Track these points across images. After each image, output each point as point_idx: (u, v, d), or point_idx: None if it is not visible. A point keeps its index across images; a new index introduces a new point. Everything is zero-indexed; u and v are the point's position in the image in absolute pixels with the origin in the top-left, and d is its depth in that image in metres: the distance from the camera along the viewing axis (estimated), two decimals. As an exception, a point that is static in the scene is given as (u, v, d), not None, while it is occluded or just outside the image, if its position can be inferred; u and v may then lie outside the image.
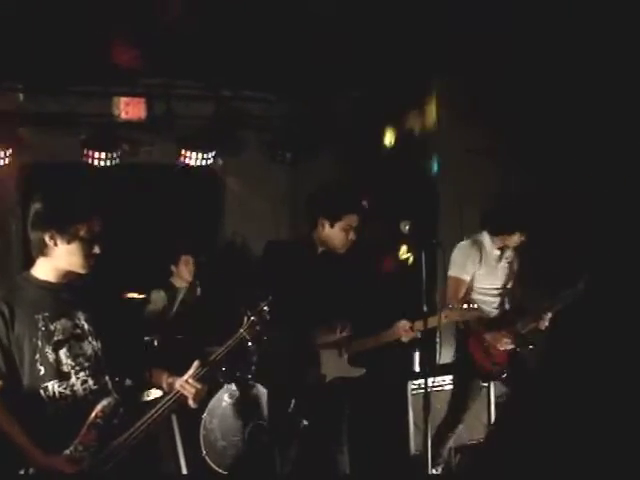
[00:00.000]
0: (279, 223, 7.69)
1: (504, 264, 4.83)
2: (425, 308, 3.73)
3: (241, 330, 3.04)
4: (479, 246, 4.76)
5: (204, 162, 7.16)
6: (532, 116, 5.70)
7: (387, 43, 5.43)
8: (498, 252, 4.78)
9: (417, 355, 5.98)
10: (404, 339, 4.07)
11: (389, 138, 6.57)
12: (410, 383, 5.54)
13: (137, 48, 5.85)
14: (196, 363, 2.93)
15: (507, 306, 4.92)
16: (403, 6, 4.79)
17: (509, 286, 4.89)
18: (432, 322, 3.91)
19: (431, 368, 4.52)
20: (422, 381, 5.44)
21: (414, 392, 5.53)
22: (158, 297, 6.30)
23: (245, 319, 3.07)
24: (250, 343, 3.05)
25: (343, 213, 3.96)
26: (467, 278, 4.71)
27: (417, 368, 6.01)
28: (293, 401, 3.80)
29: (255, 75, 6.65)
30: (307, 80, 6.67)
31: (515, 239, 4.74)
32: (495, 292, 4.82)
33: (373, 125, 6.63)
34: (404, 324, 4.03)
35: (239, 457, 5.36)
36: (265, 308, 3.11)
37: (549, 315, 4.69)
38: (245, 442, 5.36)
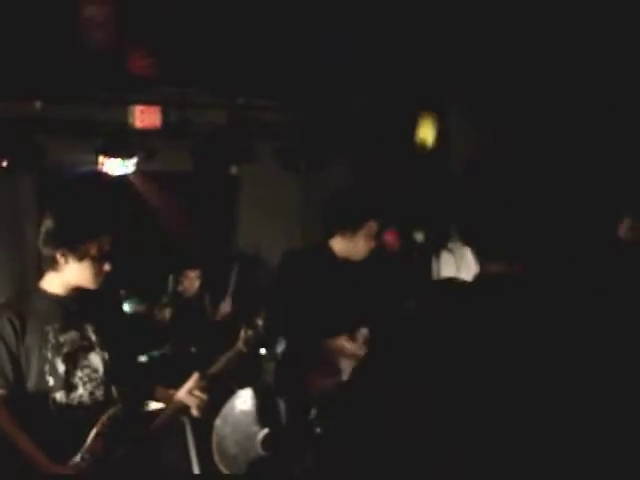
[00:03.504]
0: (292, 232, 7.69)
1: None
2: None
3: (239, 343, 3.19)
4: (456, 253, 4.86)
5: (218, 170, 7.20)
6: (542, 123, 5.70)
7: (399, 51, 5.44)
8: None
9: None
10: None
11: (402, 146, 6.57)
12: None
13: (152, 56, 5.89)
14: (196, 375, 3.05)
15: None
16: (415, 13, 4.80)
17: None
18: None
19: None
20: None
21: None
22: (167, 307, 6.34)
23: (242, 333, 3.20)
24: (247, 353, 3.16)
25: (365, 220, 3.96)
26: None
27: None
28: (314, 410, 3.79)
29: (269, 83, 6.68)
30: (321, 89, 6.69)
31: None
32: None
33: (386, 133, 6.64)
34: (364, 333, 4.02)
35: (251, 464, 5.35)
36: (260, 323, 3.25)
37: None
38: (259, 449, 5.35)
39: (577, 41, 4.75)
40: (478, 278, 1.76)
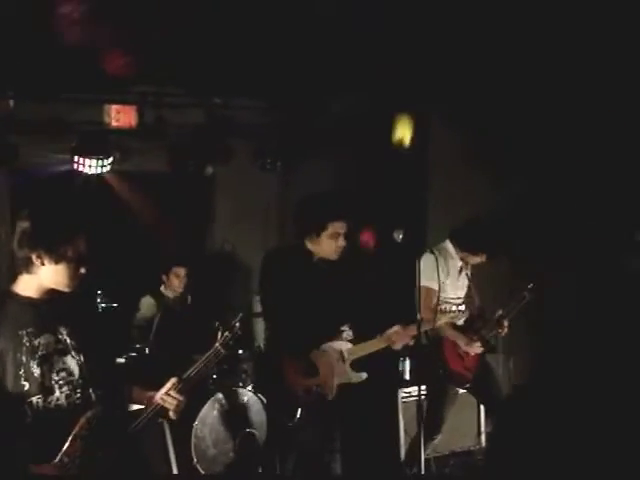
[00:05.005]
0: (269, 231, 7.71)
1: (464, 275, 4.92)
2: (419, 315, 3.75)
3: (217, 345, 3.15)
4: (445, 256, 4.85)
5: (194, 170, 7.17)
6: (522, 126, 5.76)
7: (378, 51, 5.45)
8: (460, 263, 4.88)
9: (407, 364, 6.00)
10: (397, 346, 4.09)
11: (381, 146, 6.58)
12: (400, 391, 5.58)
13: (128, 56, 5.85)
14: (174, 378, 3.03)
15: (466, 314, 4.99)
16: (399, 16, 4.81)
17: (469, 295, 4.97)
18: (425, 327, 3.97)
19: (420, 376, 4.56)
20: (412, 389, 5.54)
21: (404, 400, 5.57)
22: (147, 304, 6.33)
23: (219, 334, 3.19)
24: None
25: (327, 221, 3.99)
26: (436, 287, 4.70)
27: (407, 376, 6.03)
28: (299, 410, 3.81)
29: (246, 83, 6.66)
30: (297, 89, 6.69)
31: (477, 259, 4.87)
32: (458, 302, 4.88)
33: (364, 134, 6.65)
34: (397, 330, 4.05)
35: (230, 465, 5.35)
36: (237, 325, 3.23)
37: (506, 322, 4.79)
38: (236, 450, 5.36)
39: (558, 46, 4.80)
40: None
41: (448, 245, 4.89)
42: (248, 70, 6.15)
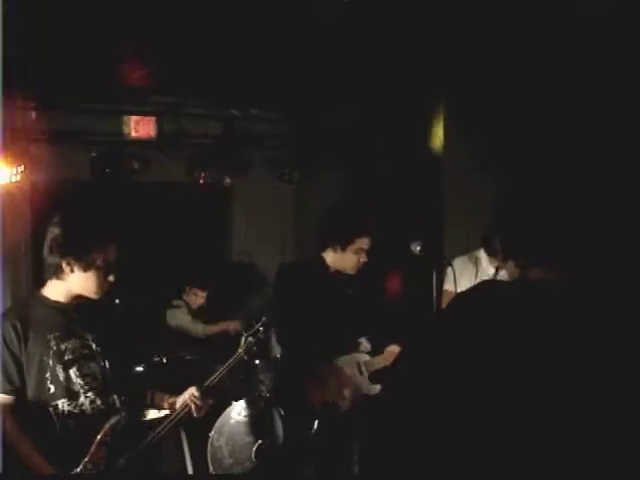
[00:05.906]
0: (286, 242, 7.72)
1: None
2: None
3: (240, 350, 3.25)
4: (475, 262, 4.84)
5: (212, 180, 7.22)
6: (536, 134, 5.73)
7: (393, 61, 5.46)
8: (493, 270, 4.84)
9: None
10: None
11: (395, 157, 6.58)
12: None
13: (147, 67, 5.90)
14: (193, 388, 3.11)
15: None
16: (408, 25, 4.82)
17: None
18: None
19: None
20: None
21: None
22: (169, 314, 6.38)
23: (242, 340, 3.26)
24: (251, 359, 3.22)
25: (354, 237, 3.99)
26: (453, 290, 4.65)
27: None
28: (316, 422, 3.80)
29: (263, 94, 6.70)
30: (314, 99, 6.72)
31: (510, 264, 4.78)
32: None
33: (380, 144, 6.66)
34: (393, 349, 4.04)
35: (246, 475, 5.35)
36: (260, 329, 3.32)
37: None
38: (252, 460, 5.35)
39: (568, 48, 4.78)
40: (517, 284, 1.82)
41: (481, 251, 4.89)
42: (266, 81, 6.18)
